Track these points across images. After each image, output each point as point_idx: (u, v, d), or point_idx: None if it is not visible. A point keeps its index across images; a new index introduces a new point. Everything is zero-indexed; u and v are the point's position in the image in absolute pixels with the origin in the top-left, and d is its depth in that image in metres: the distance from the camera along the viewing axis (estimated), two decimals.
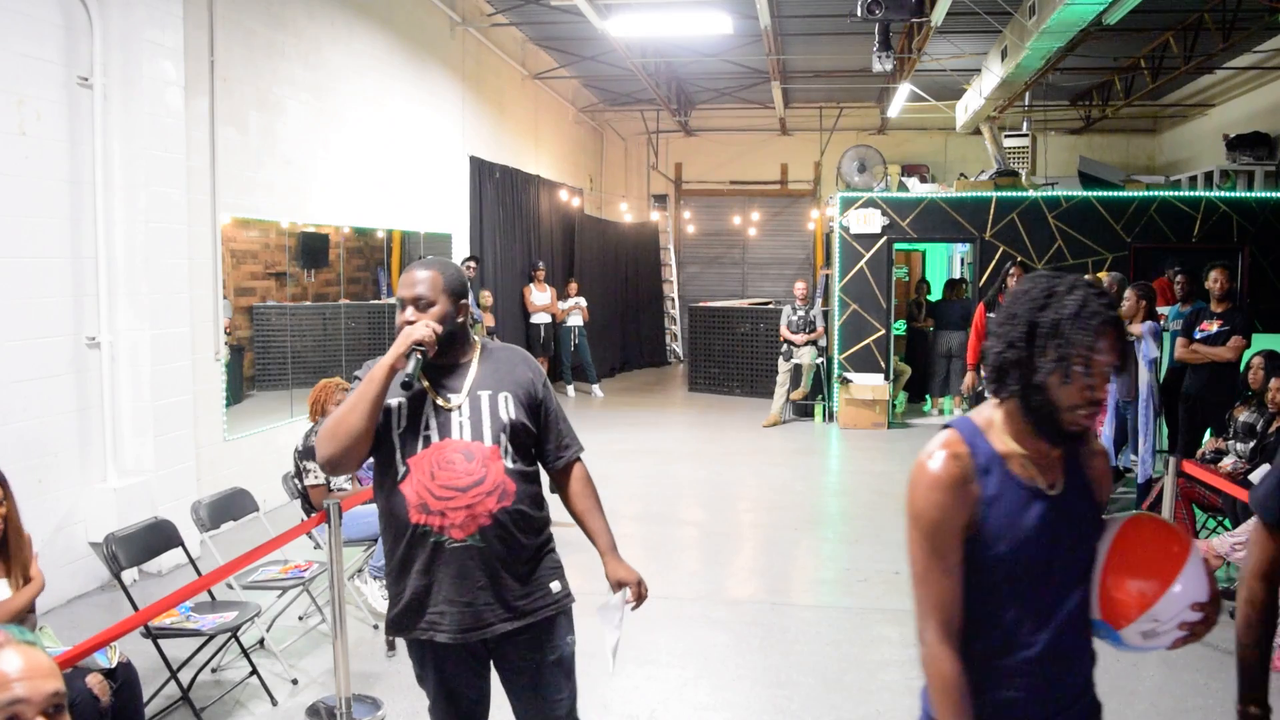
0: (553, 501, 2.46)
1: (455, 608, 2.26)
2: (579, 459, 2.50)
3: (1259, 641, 1.90)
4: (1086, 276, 1.70)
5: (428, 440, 2.27)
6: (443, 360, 2.33)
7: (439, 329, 2.27)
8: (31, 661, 1.42)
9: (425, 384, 2.31)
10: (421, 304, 2.30)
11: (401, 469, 2.27)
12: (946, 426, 1.77)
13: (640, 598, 2.45)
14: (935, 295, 11.50)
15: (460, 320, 2.36)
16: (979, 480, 1.67)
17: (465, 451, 2.26)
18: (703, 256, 17.49)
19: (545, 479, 2.47)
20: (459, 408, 2.30)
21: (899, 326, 10.98)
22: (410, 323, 2.28)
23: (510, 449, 2.30)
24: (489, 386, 2.33)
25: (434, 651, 2.35)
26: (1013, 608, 1.68)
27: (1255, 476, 4.96)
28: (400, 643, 2.58)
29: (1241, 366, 5.83)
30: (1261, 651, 1.90)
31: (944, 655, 1.67)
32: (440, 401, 2.30)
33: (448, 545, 2.24)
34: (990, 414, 1.76)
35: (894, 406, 10.39)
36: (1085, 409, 1.62)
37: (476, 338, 2.44)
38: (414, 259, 9.50)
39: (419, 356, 2.22)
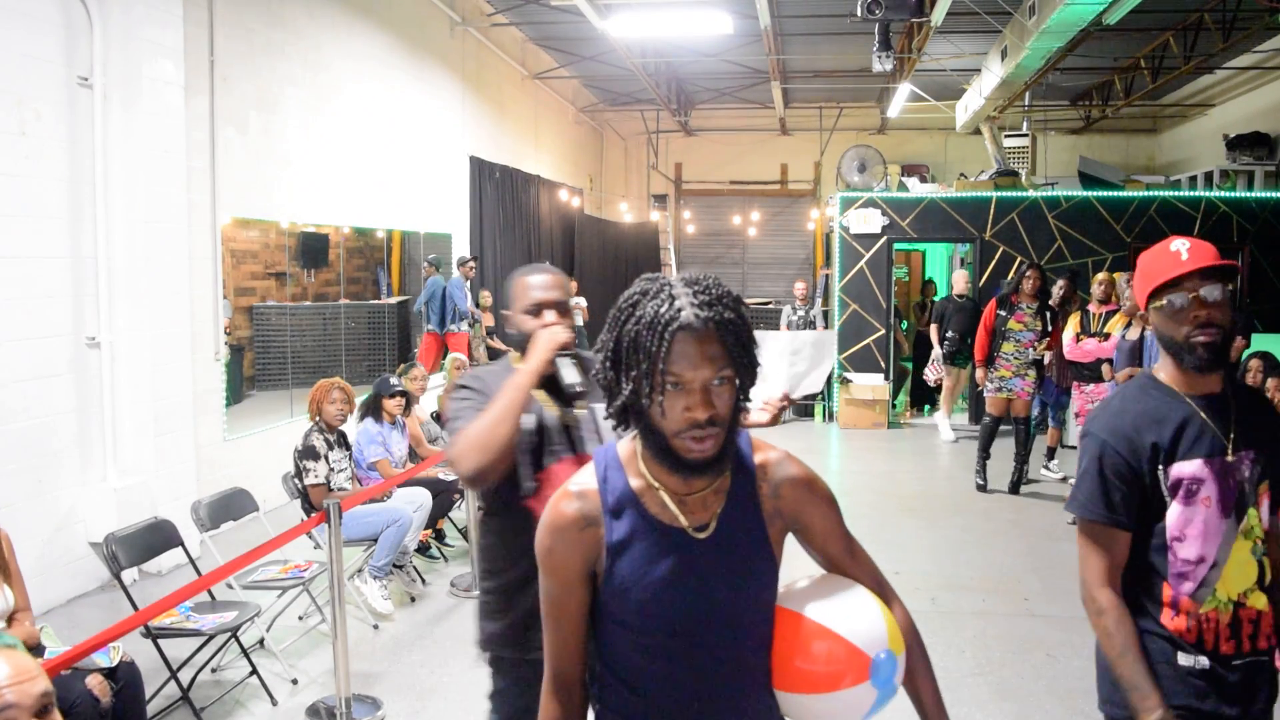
0: None
1: None
2: None
3: (1129, 644, 1.78)
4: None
5: (555, 454, 2.16)
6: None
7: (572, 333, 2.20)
8: (17, 666, 1.44)
9: (541, 395, 2.18)
10: (563, 308, 2.20)
11: (530, 485, 2.15)
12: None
13: None
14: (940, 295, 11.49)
15: None
16: (606, 523, 1.42)
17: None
18: (703, 256, 17.48)
19: None
20: (579, 421, 2.20)
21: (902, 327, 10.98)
22: (548, 326, 2.15)
23: None
24: (595, 399, 2.18)
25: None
26: (656, 666, 1.43)
27: None
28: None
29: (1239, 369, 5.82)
30: (1137, 652, 1.78)
31: (546, 705, 1.48)
32: (563, 416, 2.19)
33: None
34: (634, 442, 1.46)
35: (894, 406, 10.40)
36: (690, 432, 1.32)
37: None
38: (414, 259, 9.57)
39: (573, 362, 2.12)
